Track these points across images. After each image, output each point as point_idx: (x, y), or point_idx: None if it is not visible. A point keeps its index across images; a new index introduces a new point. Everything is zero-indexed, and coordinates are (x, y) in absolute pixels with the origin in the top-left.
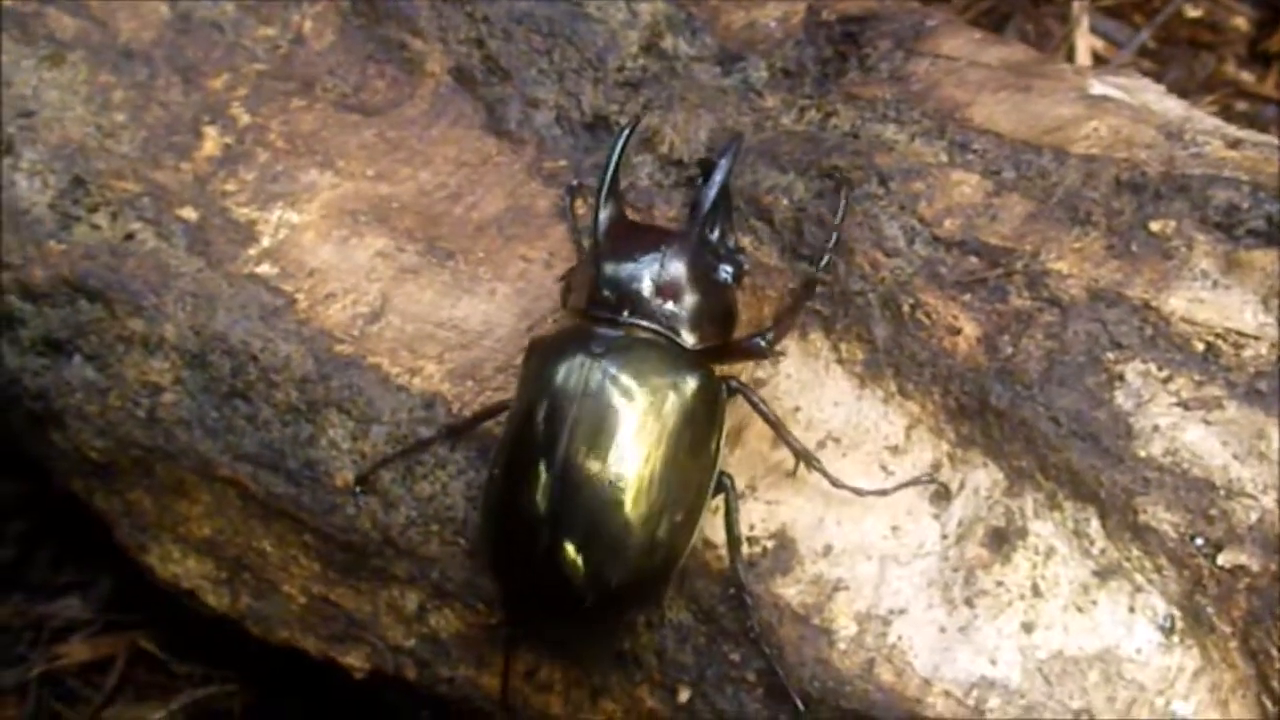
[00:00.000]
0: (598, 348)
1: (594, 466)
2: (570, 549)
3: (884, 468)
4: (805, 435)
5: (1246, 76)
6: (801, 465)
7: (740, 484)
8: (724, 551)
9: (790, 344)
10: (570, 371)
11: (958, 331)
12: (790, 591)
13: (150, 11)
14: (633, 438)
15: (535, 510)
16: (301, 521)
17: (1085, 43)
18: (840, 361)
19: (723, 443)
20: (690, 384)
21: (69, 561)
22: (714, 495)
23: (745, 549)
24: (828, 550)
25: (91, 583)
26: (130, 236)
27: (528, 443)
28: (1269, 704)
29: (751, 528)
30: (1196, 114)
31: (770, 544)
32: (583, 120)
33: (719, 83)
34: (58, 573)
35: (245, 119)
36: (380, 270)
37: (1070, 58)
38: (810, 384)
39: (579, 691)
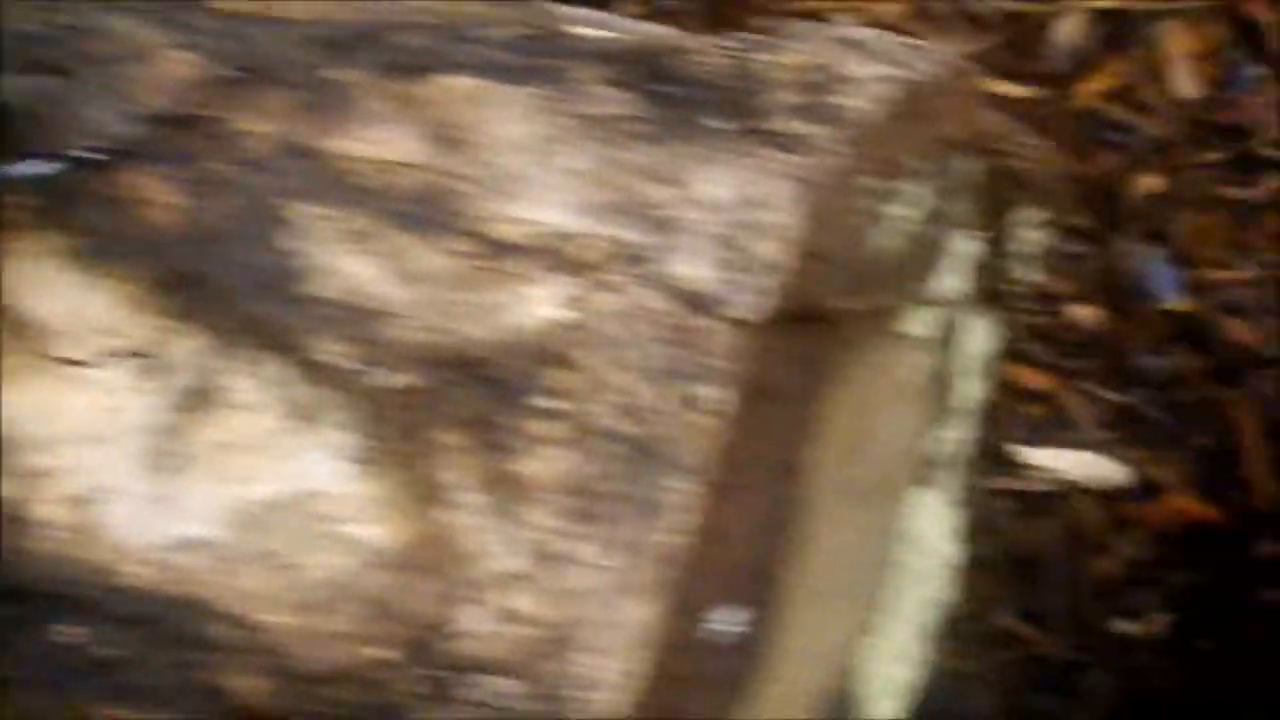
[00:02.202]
0: None
1: None
2: None
3: (100, 351)
4: (30, 331)
5: None
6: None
7: None
8: None
9: (14, 243)
10: None
11: (160, 205)
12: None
13: None
14: None
15: None
16: None
17: None
18: (57, 251)
19: None
20: None
21: None
22: None
23: None
24: (38, 440)
25: None
26: None
27: None
28: (445, 516)
29: None
30: None
31: None
32: None
33: None
34: None
35: None
36: None
37: None
38: (32, 277)
39: None
